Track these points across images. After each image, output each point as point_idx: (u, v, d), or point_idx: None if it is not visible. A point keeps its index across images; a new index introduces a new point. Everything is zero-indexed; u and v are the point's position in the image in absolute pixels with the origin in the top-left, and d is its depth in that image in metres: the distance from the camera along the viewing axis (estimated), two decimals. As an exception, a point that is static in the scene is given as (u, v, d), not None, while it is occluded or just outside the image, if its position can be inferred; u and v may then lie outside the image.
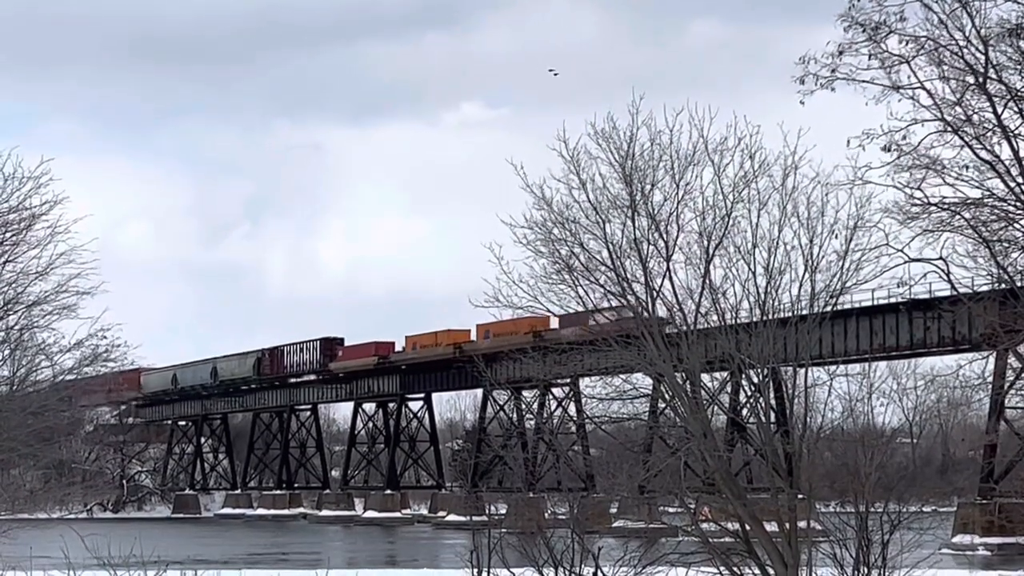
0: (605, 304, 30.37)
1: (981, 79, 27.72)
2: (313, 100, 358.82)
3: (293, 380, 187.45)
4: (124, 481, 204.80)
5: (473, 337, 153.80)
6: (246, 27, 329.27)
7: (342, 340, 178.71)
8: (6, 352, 36.98)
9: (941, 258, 29.41)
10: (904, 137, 28.29)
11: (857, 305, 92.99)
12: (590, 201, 29.95)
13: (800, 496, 29.44)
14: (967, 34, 27.66)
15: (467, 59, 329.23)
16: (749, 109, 29.70)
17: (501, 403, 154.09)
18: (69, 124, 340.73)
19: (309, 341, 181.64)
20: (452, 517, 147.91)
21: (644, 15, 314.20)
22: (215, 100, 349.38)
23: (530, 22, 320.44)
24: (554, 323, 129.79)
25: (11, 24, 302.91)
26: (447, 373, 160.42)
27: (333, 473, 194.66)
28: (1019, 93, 27.96)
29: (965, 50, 27.72)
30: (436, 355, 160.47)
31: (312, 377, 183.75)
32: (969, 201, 28.85)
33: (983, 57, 27.64)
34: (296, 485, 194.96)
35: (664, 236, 29.64)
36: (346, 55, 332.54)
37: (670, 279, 29.81)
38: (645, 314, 29.78)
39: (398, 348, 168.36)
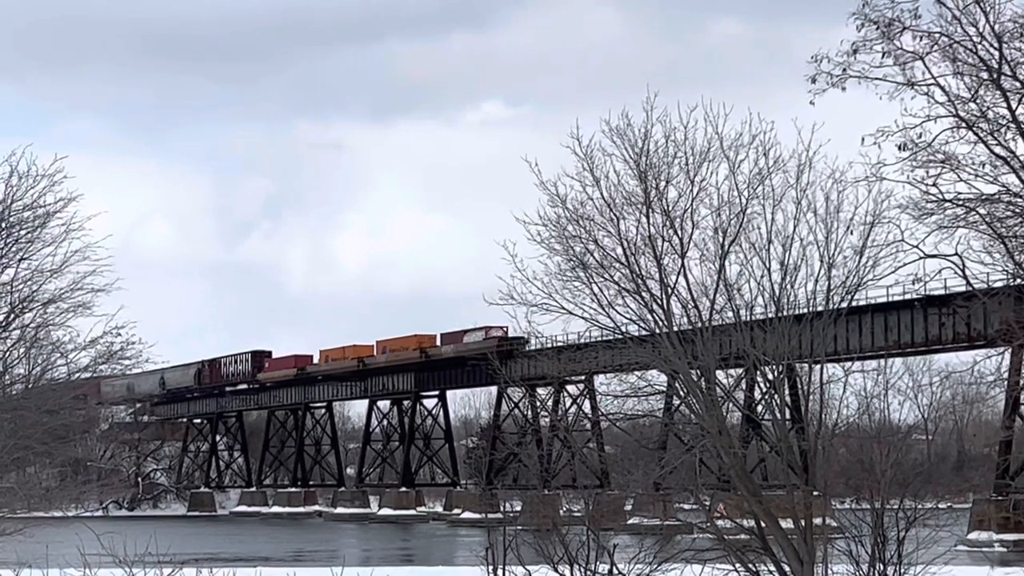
0: (620, 301, 30.33)
1: (995, 75, 27.67)
2: (334, 99, 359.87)
3: (229, 388, 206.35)
4: (139, 479, 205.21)
5: (375, 352, 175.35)
6: (267, 26, 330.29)
7: (270, 353, 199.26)
8: (22, 350, 37.04)
9: (956, 254, 29.35)
10: (920, 135, 28.25)
11: (872, 301, 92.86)
12: (604, 198, 29.92)
13: (815, 493, 29.41)
14: (981, 30, 27.61)
15: (489, 57, 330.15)
16: (767, 106, 29.69)
17: (516, 400, 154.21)
18: (89, 123, 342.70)
19: (241, 354, 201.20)
20: (467, 514, 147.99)
21: (666, 14, 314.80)
22: (236, 99, 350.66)
23: (553, 20, 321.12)
24: (438, 341, 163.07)
25: (32, 24, 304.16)
26: (462, 371, 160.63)
27: (348, 471, 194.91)
28: (1034, 89, 27.90)
29: (979, 46, 27.67)
30: (343, 368, 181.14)
31: (244, 386, 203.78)
32: (984, 197, 28.79)
33: (997, 53, 27.58)
34: (311, 483, 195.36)
35: (679, 233, 29.60)
36: (368, 54, 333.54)
37: (685, 276, 29.79)
38: (660, 311, 29.76)
39: (315, 361, 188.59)
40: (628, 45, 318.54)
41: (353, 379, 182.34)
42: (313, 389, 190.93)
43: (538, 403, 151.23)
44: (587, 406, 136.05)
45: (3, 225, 35.59)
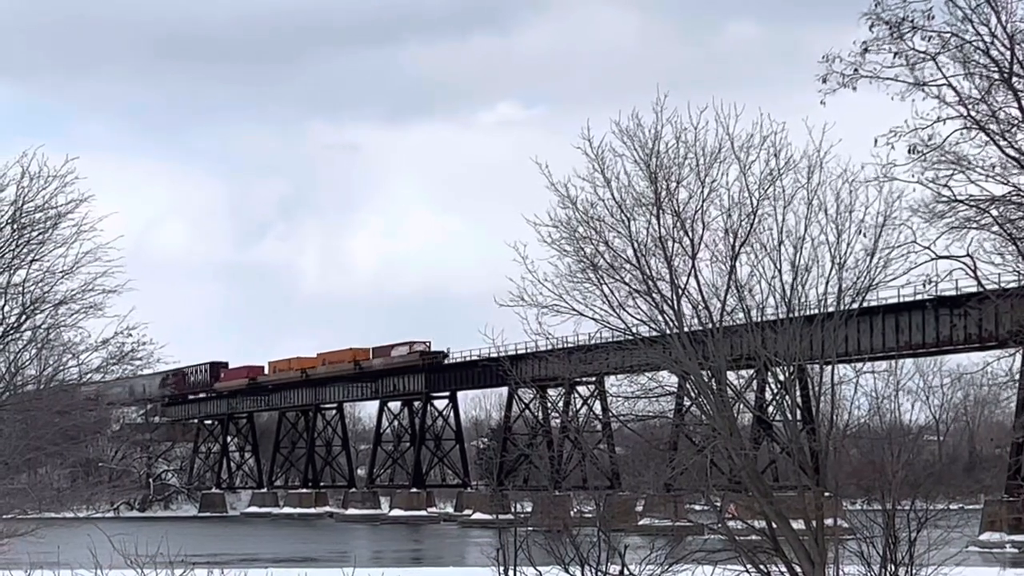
0: (631, 302, 30.29)
1: (1007, 75, 27.62)
2: (349, 100, 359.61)
3: (191, 396, 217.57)
4: (151, 480, 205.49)
5: (316, 364, 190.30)
6: (282, 27, 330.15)
7: (226, 364, 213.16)
8: (33, 351, 37.02)
9: (968, 255, 29.33)
10: (930, 136, 28.20)
11: (884, 302, 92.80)
12: (615, 199, 29.87)
13: (827, 494, 29.36)
14: (992, 30, 27.57)
15: (505, 59, 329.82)
16: (780, 108, 29.59)
17: (526, 401, 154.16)
18: (102, 125, 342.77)
19: (201, 364, 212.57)
20: (478, 515, 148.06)
21: (682, 16, 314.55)
22: (250, 100, 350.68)
23: (569, 22, 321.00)
24: (371, 354, 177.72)
25: (47, 26, 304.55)
26: (472, 371, 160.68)
27: (359, 471, 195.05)
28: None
29: (991, 46, 27.63)
30: (289, 378, 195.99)
31: (203, 394, 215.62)
32: (995, 198, 28.74)
33: (1008, 53, 27.54)
34: (322, 484, 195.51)
35: (689, 234, 29.54)
36: (383, 55, 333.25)
37: (695, 277, 29.72)
38: (671, 312, 29.72)
39: (266, 372, 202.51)
40: (644, 47, 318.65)
41: (298, 387, 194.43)
42: (323, 390, 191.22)
43: (549, 404, 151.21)
44: (598, 407, 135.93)
45: (15, 226, 35.57)
